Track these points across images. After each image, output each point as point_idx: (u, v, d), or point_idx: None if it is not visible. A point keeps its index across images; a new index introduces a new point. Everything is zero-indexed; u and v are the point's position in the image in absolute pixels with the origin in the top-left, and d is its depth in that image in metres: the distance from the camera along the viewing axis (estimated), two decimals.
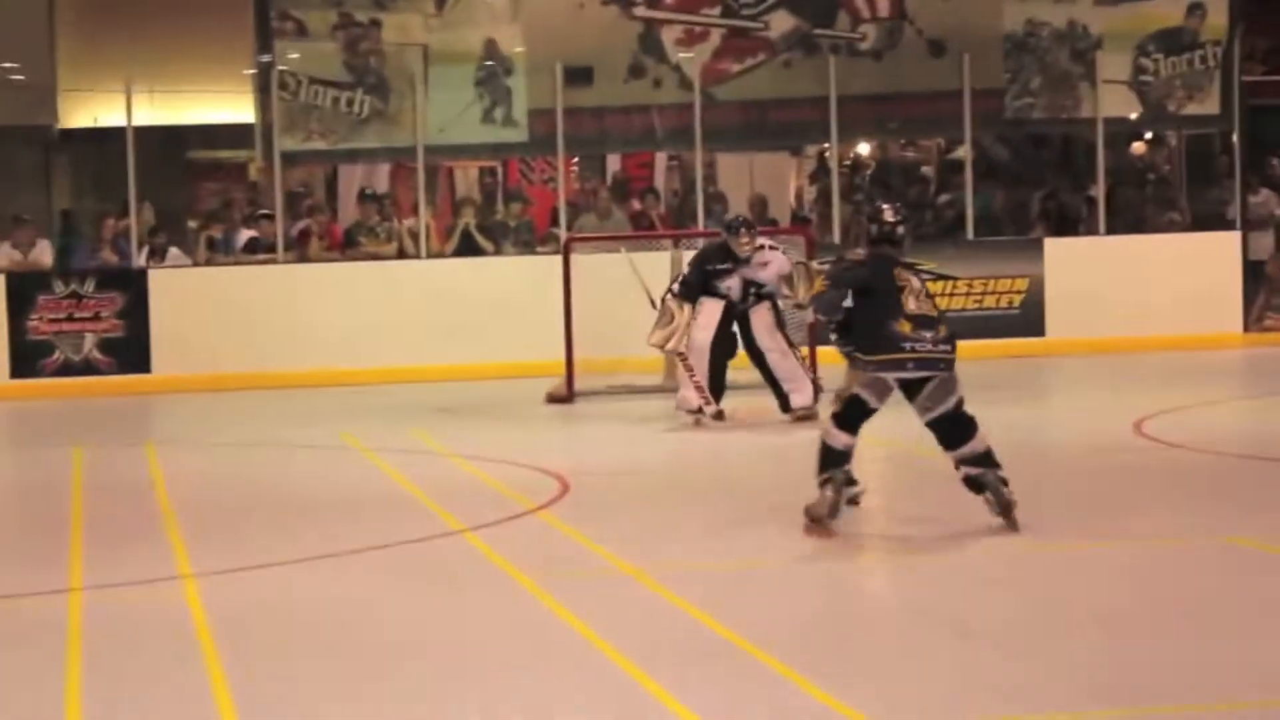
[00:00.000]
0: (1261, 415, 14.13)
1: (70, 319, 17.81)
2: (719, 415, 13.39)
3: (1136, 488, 10.49)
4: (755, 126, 19.20)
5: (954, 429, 8.74)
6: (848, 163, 21.68)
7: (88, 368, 17.78)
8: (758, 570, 8.19)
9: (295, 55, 18.51)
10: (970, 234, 18.98)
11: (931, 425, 8.80)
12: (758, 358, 13.56)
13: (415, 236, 18.39)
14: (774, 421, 13.39)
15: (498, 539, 8.99)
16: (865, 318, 8.63)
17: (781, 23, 18.89)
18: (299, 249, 18.55)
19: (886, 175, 22.27)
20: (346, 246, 18.55)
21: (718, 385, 13.49)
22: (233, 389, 17.24)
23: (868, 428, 8.89)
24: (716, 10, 18.87)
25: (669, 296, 13.69)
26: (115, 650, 6.90)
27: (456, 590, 7.88)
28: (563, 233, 17.83)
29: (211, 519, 10.11)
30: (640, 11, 18.78)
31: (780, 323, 13.56)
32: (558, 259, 16.00)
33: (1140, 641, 6.58)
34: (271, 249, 18.38)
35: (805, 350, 14.11)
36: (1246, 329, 18.91)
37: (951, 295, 18.58)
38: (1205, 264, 18.94)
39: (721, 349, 13.50)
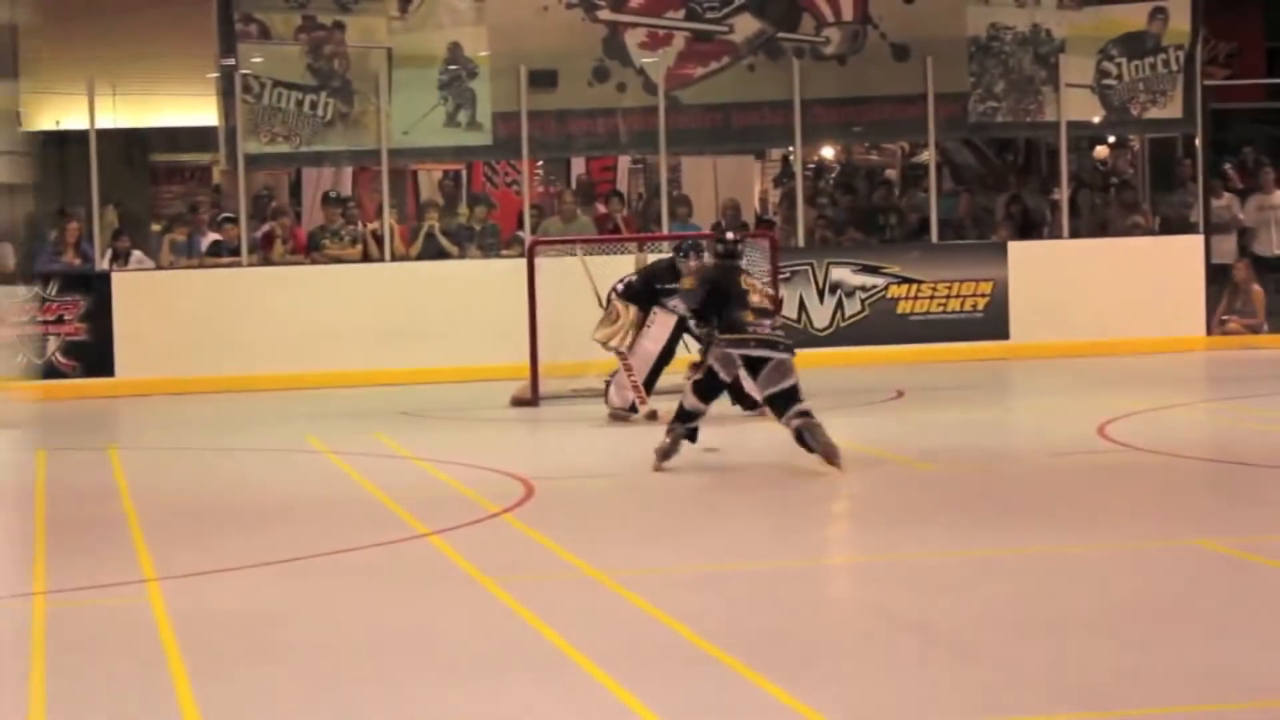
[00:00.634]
0: (1224, 419, 14.22)
1: (33, 322, 17.78)
2: (652, 415, 13.51)
3: (1099, 491, 10.55)
4: (719, 130, 19.23)
5: (787, 403, 10.87)
6: (812, 166, 21.77)
7: (50, 371, 17.75)
8: (721, 573, 8.23)
9: (259, 58, 18.49)
10: (934, 237, 19.06)
11: (769, 400, 11.04)
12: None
13: (380, 240, 18.40)
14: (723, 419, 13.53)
15: (462, 542, 9.01)
16: (719, 309, 11.16)
17: (745, 26, 18.94)
18: (263, 252, 18.56)
19: (850, 179, 22.37)
20: (310, 249, 18.56)
21: (649, 385, 13.72)
22: (197, 392, 17.23)
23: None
24: (680, 14, 18.91)
25: (614, 295, 13.93)
26: (79, 656, 6.91)
27: (421, 594, 7.90)
28: (527, 236, 17.86)
29: (176, 523, 10.10)
30: (604, 15, 18.81)
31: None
32: (522, 262, 16.02)
33: (1103, 645, 6.62)
34: (235, 252, 18.38)
35: None
36: (1209, 332, 19.02)
37: (915, 299, 18.70)
38: (1168, 267, 19.06)
39: (664, 357, 13.82)
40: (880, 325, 18.60)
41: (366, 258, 18.37)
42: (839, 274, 18.65)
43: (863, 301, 18.67)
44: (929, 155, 19.78)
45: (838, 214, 20.42)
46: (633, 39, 18.85)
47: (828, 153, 23.34)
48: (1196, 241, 19.21)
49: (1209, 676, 6.15)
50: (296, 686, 6.37)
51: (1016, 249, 19.10)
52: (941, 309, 18.76)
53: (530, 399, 15.20)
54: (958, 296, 18.84)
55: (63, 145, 20.16)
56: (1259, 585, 7.80)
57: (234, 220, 18.57)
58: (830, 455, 10.65)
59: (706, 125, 19.10)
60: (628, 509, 10.24)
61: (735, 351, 11.02)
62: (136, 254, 18.54)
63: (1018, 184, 20.89)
